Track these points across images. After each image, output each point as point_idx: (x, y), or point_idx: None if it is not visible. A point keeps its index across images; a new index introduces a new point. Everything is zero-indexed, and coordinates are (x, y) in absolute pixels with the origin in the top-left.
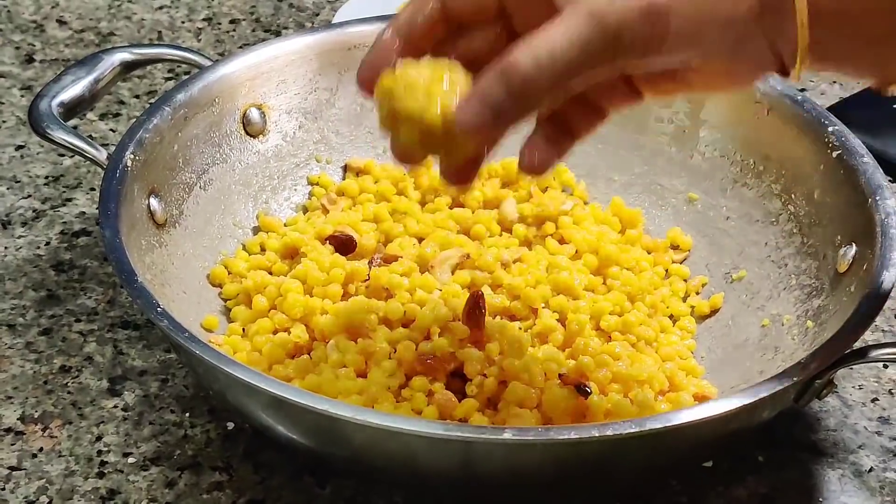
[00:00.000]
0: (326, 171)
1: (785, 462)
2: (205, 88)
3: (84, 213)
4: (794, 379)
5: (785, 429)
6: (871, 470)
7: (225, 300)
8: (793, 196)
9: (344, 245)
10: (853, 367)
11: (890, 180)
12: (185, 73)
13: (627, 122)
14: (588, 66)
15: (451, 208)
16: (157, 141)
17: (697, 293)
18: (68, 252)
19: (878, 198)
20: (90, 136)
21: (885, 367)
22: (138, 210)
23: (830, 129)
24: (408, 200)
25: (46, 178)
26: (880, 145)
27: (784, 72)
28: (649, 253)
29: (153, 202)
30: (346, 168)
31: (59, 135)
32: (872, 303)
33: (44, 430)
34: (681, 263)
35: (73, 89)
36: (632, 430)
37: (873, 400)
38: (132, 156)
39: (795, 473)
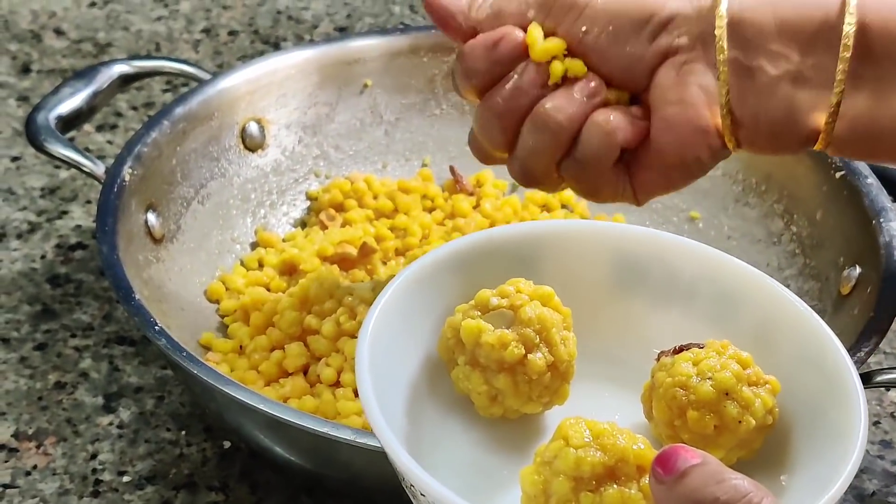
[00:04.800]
0: (325, 187)
1: None
2: (204, 102)
3: (80, 226)
4: None
5: None
6: (873, 494)
7: (222, 316)
8: (795, 216)
9: (346, 261)
10: None
11: (894, 201)
12: (183, 86)
13: None
14: None
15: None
16: (156, 155)
17: None
18: (64, 266)
19: (881, 220)
20: (87, 149)
21: (887, 390)
22: (136, 225)
23: None
24: (407, 217)
25: (42, 189)
26: (883, 167)
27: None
28: None
29: (151, 217)
30: None
31: (57, 148)
32: (876, 326)
33: (38, 446)
34: None
35: (71, 102)
36: None
37: (875, 423)
38: (130, 170)
39: None
